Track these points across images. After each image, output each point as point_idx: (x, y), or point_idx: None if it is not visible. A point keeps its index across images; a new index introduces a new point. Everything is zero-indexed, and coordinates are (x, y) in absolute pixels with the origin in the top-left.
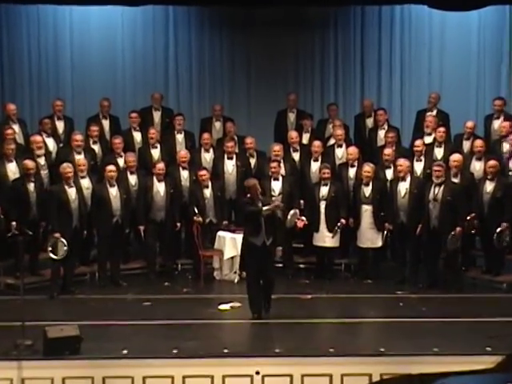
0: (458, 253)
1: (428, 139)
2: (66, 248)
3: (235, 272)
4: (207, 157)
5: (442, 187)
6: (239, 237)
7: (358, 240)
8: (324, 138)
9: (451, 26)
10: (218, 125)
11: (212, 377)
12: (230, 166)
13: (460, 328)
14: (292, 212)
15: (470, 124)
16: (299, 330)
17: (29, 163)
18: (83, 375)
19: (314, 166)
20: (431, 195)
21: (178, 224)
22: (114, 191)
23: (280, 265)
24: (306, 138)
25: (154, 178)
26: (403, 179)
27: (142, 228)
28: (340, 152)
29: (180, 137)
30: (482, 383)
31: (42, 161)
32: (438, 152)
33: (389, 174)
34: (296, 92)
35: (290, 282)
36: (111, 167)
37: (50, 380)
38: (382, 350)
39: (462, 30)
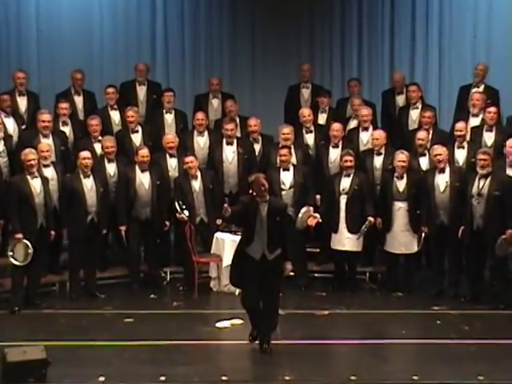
0: (508, 260)
1: (474, 121)
2: (30, 252)
3: None
4: (201, 141)
5: (488, 180)
6: None
7: (388, 244)
8: (345, 120)
9: None
10: (215, 103)
11: None
12: (229, 152)
13: (511, 352)
14: (304, 209)
15: None
16: (314, 352)
17: None
18: None
19: (333, 153)
20: (475, 189)
21: (167, 223)
22: (88, 183)
23: (291, 273)
24: (322, 119)
25: (137, 168)
26: (442, 170)
27: (122, 228)
28: (366, 136)
29: (169, 117)
30: None
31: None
32: (488, 137)
33: (423, 163)
34: (311, 63)
35: (303, 294)
36: (85, 154)
37: None
38: (415, 378)
39: None
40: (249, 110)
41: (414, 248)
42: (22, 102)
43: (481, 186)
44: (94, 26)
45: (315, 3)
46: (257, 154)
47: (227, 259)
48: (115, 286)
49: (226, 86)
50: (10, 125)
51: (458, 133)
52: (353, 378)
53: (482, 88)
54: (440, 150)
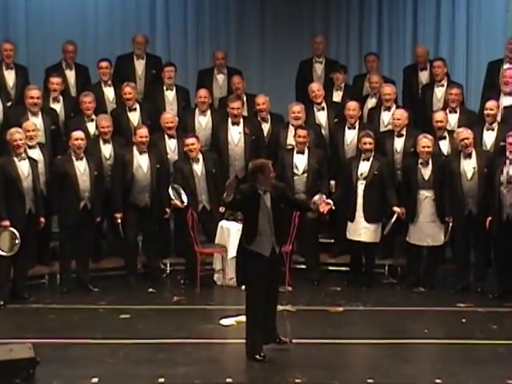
0: None
1: (507, 100)
2: (17, 241)
3: None
4: (203, 121)
5: None
6: None
7: (412, 236)
8: (361, 98)
9: None
10: (220, 78)
11: None
12: (235, 133)
13: None
14: (316, 197)
15: None
16: (327, 353)
17: None
18: None
19: (349, 134)
20: (504, 176)
21: (168, 210)
22: (81, 166)
23: (302, 266)
24: (337, 97)
25: (135, 149)
26: (468, 156)
27: (118, 216)
28: (387, 117)
29: (170, 94)
30: None
31: None
32: None
33: (444, 146)
34: (325, 35)
35: (316, 289)
36: (78, 134)
37: None
38: (438, 381)
39: None
40: (257, 86)
41: (441, 239)
42: (10, 77)
43: (510, 173)
44: None
45: None
46: (265, 134)
47: (232, 250)
48: (110, 278)
49: (232, 61)
50: None
51: (489, 111)
52: (370, 381)
53: None
54: (466, 134)
